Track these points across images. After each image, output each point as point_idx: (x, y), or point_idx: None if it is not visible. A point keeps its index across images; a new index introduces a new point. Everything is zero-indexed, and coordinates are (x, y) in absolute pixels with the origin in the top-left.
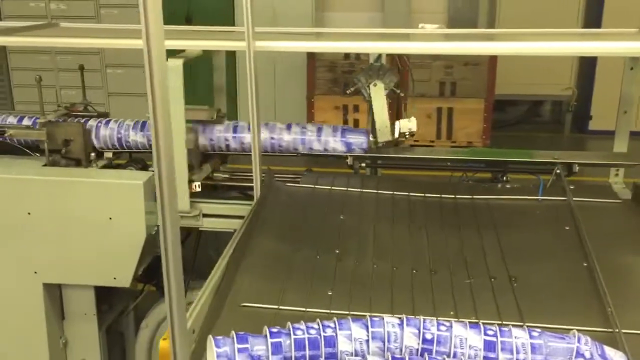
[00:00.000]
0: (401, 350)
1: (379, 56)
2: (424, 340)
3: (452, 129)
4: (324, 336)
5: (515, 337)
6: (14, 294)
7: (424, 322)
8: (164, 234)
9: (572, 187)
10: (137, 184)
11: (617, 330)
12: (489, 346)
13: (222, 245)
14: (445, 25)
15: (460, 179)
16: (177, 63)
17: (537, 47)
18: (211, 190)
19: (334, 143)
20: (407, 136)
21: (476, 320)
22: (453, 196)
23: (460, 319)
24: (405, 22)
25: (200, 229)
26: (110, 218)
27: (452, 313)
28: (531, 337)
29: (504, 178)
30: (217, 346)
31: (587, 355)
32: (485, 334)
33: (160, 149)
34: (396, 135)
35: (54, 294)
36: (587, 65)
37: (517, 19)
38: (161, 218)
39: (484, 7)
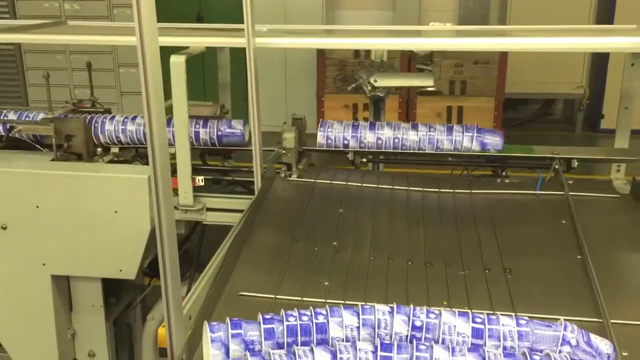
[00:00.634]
0: (391, 336)
1: (381, 53)
2: (413, 327)
3: None
4: (316, 323)
5: (503, 325)
6: (23, 286)
7: (413, 309)
8: (158, 219)
9: (570, 182)
10: (142, 178)
11: (606, 320)
12: (477, 333)
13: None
14: (456, 24)
15: (461, 176)
16: (180, 59)
17: (534, 43)
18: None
19: (468, 142)
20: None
21: (466, 309)
22: (452, 191)
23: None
24: (416, 21)
25: (203, 222)
26: (116, 211)
27: (445, 303)
28: (518, 324)
29: (504, 174)
30: (212, 331)
31: (573, 342)
32: (474, 322)
33: (154, 143)
34: (430, 68)
35: (62, 285)
36: (599, 64)
37: (528, 17)
38: (155, 203)
39: (495, 4)
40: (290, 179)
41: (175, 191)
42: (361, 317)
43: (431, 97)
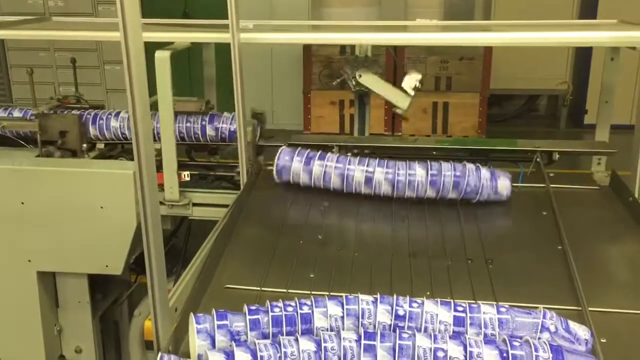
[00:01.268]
0: (374, 326)
1: (365, 48)
2: (396, 317)
3: (448, 123)
4: (301, 313)
5: (484, 313)
6: (8, 282)
7: (397, 299)
8: (144, 214)
9: (551, 175)
10: (128, 174)
11: (584, 308)
12: (459, 321)
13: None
14: (441, 20)
15: None
16: (165, 55)
17: (518, 38)
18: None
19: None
20: (419, 86)
21: (448, 299)
22: None
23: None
24: (402, 17)
25: (189, 217)
26: (102, 207)
27: (428, 293)
28: (499, 312)
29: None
30: (198, 322)
31: (552, 329)
32: (455, 310)
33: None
34: (412, 93)
35: (48, 282)
36: (583, 60)
37: (512, 13)
38: (141, 199)
39: (480, 1)
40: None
41: (161, 186)
42: (345, 307)
43: (417, 93)
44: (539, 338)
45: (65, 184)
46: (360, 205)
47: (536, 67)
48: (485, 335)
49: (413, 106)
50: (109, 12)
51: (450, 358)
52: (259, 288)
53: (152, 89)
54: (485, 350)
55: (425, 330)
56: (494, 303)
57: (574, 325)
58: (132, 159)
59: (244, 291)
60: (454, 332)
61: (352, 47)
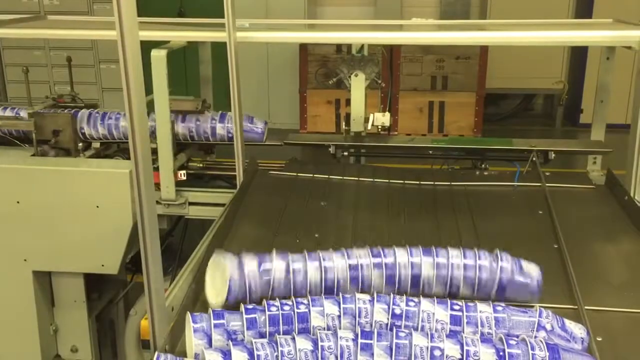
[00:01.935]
0: (371, 325)
1: (362, 47)
2: (393, 315)
3: (444, 122)
4: (297, 312)
5: (480, 312)
6: (4, 282)
7: (393, 298)
8: (140, 213)
9: (547, 174)
10: (123, 173)
11: (580, 306)
12: (455, 320)
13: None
14: (437, 19)
15: (441, 169)
16: (161, 54)
17: (513, 37)
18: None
19: None
20: (379, 130)
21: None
22: (432, 183)
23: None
24: (398, 16)
25: (186, 216)
26: (98, 206)
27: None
28: (495, 311)
29: (483, 166)
30: (194, 322)
31: (548, 327)
32: (452, 309)
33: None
34: (369, 127)
35: (44, 281)
36: (578, 59)
37: (508, 13)
38: (137, 193)
39: (475, 0)
40: (272, 172)
41: (157, 186)
42: (342, 306)
43: (413, 92)
44: (535, 337)
45: (61, 183)
46: (357, 203)
47: (532, 67)
48: (482, 334)
49: (409, 105)
50: (105, 11)
51: (447, 357)
52: None
53: (148, 88)
54: (482, 349)
55: (422, 329)
56: (490, 302)
57: (569, 324)
58: (128, 158)
59: None
60: (450, 330)
61: (348, 46)
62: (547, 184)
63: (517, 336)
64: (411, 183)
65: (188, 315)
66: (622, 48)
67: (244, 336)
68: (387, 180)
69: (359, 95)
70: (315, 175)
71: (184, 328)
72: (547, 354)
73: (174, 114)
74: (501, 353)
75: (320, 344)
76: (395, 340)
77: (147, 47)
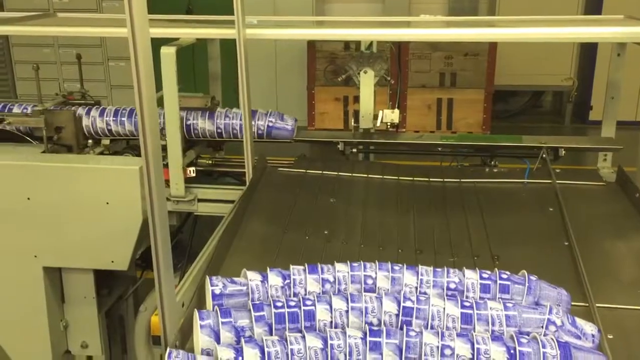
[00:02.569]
0: (380, 320)
1: (370, 44)
2: (403, 313)
3: (452, 119)
4: (304, 309)
5: (491, 309)
6: (14, 278)
7: (403, 295)
8: (151, 210)
9: (557, 171)
10: (133, 169)
11: (591, 304)
12: (466, 318)
13: None
14: (445, 16)
15: (450, 166)
16: (171, 51)
17: (523, 33)
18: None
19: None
20: (388, 127)
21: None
22: (441, 180)
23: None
24: (406, 13)
25: (195, 213)
26: (108, 203)
27: None
28: (506, 308)
29: (493, 163)
30: (201, 319)
31: (559, 322)
32: (462, 307)
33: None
34: (378, 124)
35: (54, 277)
36: (587, 56)
37: (517, 9)
38: (147, 190)
39: None
40: (281, 169)
41: (167, 182)
42: (350, 303)
43: (421, 89)
44: (546, 333)
45: (71, 179)
46: (366, 200)
47: (541, 63)
48: (493, 331)
49: (417, 101)
50: (113, 8)
51: (457, 356)
52: None
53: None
54: (493, 347)
55: (432, 327)
56: (500, 299)
57: (580, 321)
58: (137, 155)
59: None
60: (461, 328)
61: (357, 43)
62: (557, 181)
63: (528, 333)
64: (420, 180)
65: (195, 313)
66: (632, 44)
67: (252, 333)
68: (396, 177)
69: (368, 92)
70: (324, 172)
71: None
72: (559, 352)
73: (194, 111)
74: (512, 351)
75: (329, 342)
76: (405, 339)
77: (156, 44)
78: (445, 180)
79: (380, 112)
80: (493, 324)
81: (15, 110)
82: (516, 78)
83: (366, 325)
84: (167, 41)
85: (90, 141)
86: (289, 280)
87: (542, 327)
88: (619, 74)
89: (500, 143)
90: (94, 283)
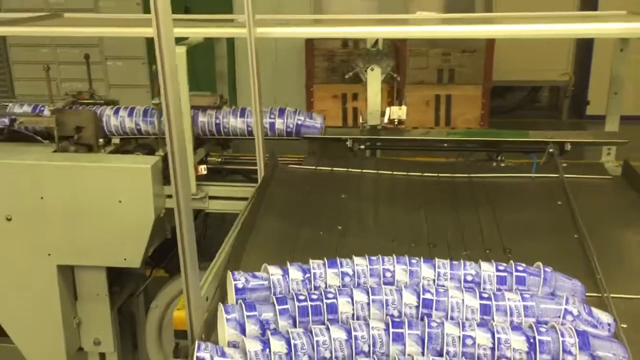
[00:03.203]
0: (400, 313)
1: (376, 41)
2: (423, 305)
3: (451, 115)
4: (327, 302)
5: (509, 300)
6: (29, 276)
7: (422, 287)
8: (177, 206)
9: (564, 165)
10: (145, 168)
11: (605, 294)
12: (485, 309)
13: (228, 229)
14: (442, 12)
15: (457, 161)
16: (181, 50)
17: (520, 30)
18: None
19: None
20: (395, 123)
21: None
22: (450, 175)
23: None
24: (402, 9)
25: (206, 210)
26: (120, 201)
27: None
28: (523, 299)
29: (499, 158)
30: (227, 312)
31: (575, 312)
32: (481, 298)
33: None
34: (385, 120)
35: (68, 275)
36: (584, 51)
37: (513, 5)
38: (174, 188)
39: None
40: (291, 166)
41: None
42: (370, 296)
43: (419, 85)
44: (563, 323)
45: (83, 178)
46: (377, 195)
47: (538, 59)
48: (512, 322)
49: (416, 98)
50: (110, 8)
51: (478, 345)
52: None
53: None
54: (513, 337)
55: (452, 318)
56: (518, 290)
57: (596, 311)
58: (148, 154)
59: None
60: (480, 319)
61: (355, 40)
62: (564, 175)
63: (546, 323)
64: (430, 175)
65: (220, 306)
66: (634, 40)
67: (276, 325)
68: (405, 173)
69: (375, 89)
70: (334, 169)
71: (217, 322)
72: (577, 340)
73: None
74: (532, 340)
75: (353, 333)
76: (427, 330)
77: None
78: (454, 175)
79: (388, 108)
80: (512, 315)
81: (25, 109)
82: (513, 73)
83: (388, 317)
84: (177, 40)
85: (101, 140)
86: (309, 275)
87: (560, 317)
88: (622, 69)
89: (508, 138)
90: (106, 281)
